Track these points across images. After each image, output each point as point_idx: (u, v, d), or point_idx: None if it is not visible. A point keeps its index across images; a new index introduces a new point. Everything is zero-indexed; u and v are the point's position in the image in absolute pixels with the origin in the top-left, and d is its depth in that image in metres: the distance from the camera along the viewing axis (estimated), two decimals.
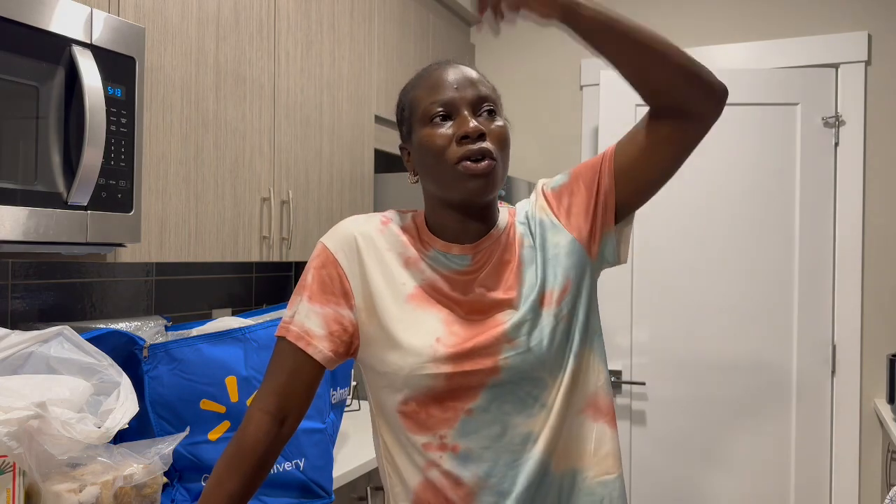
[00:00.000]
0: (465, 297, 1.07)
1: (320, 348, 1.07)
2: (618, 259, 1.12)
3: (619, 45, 1.02)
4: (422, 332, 1.05)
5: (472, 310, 1.07)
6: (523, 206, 1.16)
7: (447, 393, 1.05)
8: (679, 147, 1.06)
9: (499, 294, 1.07)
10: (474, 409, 1.05)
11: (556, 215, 1.11)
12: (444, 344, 1.04)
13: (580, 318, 1.09)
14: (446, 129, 1.04)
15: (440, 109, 1.04)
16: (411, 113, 1.09)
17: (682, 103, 1.03)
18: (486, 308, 1.06)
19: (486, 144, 1.02)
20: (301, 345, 1.07)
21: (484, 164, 1.02)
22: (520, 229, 1.12)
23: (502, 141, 1.05)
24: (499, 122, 1.06)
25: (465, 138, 1.02)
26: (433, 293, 1.08)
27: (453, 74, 1.06)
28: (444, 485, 1.06)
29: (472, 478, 1.05)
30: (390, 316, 1.07)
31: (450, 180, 1.04)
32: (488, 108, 1.06)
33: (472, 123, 1.02)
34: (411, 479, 1.09)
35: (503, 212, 1.15)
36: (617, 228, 1.10)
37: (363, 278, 1.09)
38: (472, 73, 1.08)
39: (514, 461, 1.05)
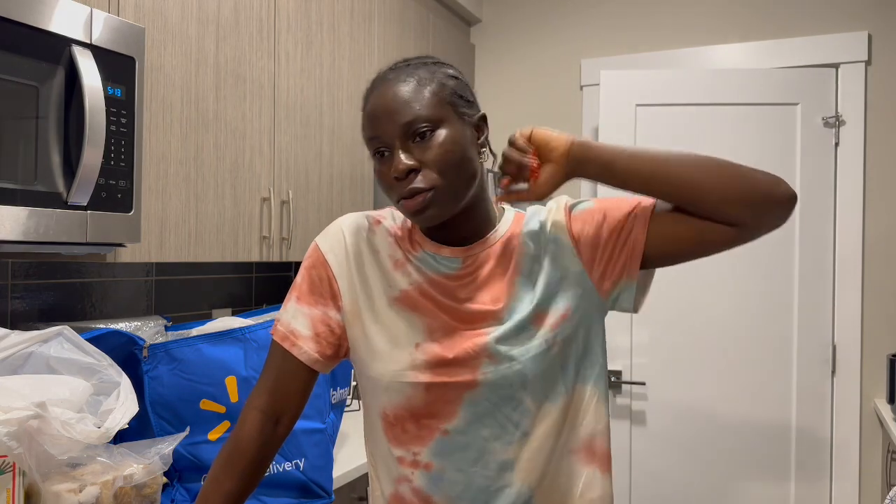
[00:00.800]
0: (452, 304, 1.03)
1: (305, 349, 1.07)
2: (633, 307, 1.07)
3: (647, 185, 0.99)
4: (403, 338, 1.03)
5: (458, 318, 1.03)
6: (536, 213, 1.09)
7: (424, 407, 1.02)
8: (730, 246, 1.01)
9: (486, 305, 1.03)
10: (451, 430, 1.02)
11: (573, 239, 1.05)
12: (423, 351, 1.02)
13: (578, 351, 1.05)
14: (386, 164, 0.99)
15: (377, 146, 1.00)
16: (363, 132, 1.04)
17: (741, 224, 0.98)
18: (472, 318, 1.02)
19: (416, 183, 0.96)
20: (286, 345, 1.07)
21: (418, 201, 0.97)
22: (525, 238, 1.06)
23: (442, 161, 0.97)
24: (437, 140, 0.97)
25: (397, 178, 0.98)
26: (420, 297, 1.05)
27: (382, 101, 0.99)
28: (414, 502, 1.05)
29: (443, 499, 1.03)
30: (374, 319, 1.06)
31: (402, 212, 1.01)
32: (422, 129, 0.97)
33: (400, 163, 0.96)
34: (386, 489, 1.08)
35: (508, 215, 1.10)
36: (641, 277, 1.05)
37: (351, 280, 1.07)
38: (404, 92, 0.98)
39: (487, 487, 1.02)
